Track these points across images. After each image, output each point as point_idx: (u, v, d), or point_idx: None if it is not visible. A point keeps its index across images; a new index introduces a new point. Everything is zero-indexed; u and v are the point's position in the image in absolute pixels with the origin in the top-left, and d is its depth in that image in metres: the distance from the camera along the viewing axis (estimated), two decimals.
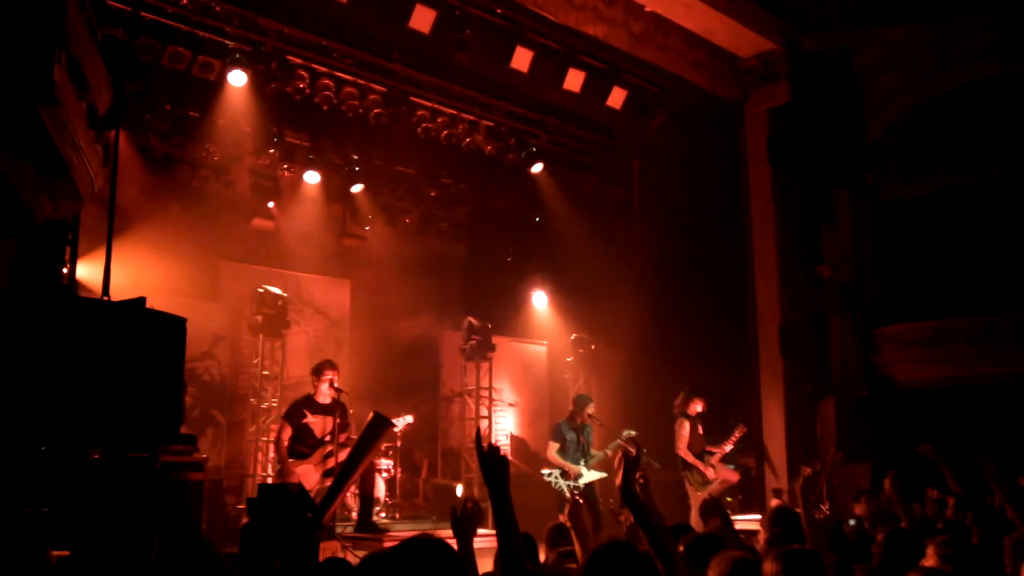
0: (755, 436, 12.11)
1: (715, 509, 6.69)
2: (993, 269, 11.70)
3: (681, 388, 10.22)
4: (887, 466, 7.14)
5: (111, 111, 7.56)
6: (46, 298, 5.85)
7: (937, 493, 6.78)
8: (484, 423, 11.47)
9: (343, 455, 7.88)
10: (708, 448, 9.91)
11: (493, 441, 11.76)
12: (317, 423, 8.25)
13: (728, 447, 9.98)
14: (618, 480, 3.26)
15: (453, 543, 3.73)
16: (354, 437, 7.93)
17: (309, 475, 8.05)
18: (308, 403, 8.32)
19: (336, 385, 8.29)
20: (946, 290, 12.00)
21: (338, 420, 8.17)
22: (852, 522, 7.52)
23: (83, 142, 6.62)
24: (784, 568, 3.62)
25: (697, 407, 9.92)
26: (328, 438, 8.18)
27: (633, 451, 3.37)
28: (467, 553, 3.48)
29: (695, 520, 9.08)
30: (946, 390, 11.47)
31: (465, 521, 3.51)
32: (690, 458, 9.64)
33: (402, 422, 9.17)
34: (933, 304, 12.00)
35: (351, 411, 8.56)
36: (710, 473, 9.67)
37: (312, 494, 7.62)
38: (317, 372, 8.40)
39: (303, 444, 8.18)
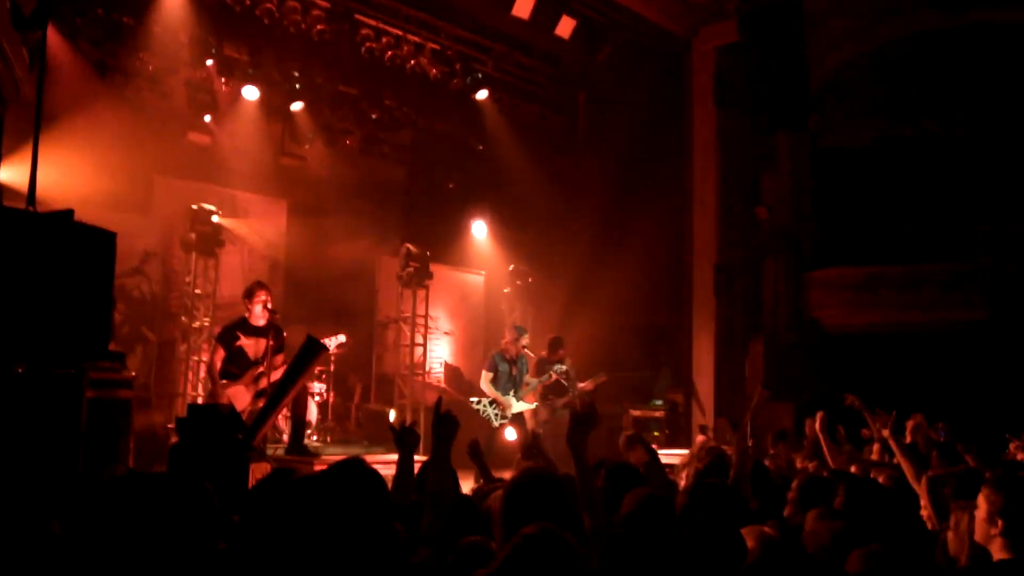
0: (684, 373, 12.35)
1: (638, 441, 6.83)
2: (926, 219, 11.94)
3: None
4: (811, 408, 7.30)
5: (37, 11, 7.22)
6: None
7: (842, 432, 6.95)
8: (419, 350, 11.46)
9: (276, 376, 7.82)
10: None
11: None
12: (250, 345, 8.14)
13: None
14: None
15: (382, 469, 3.78)
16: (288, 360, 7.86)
17: (240, 396, 7.97)
18: (242, 325, 8.20)
19: (269, 307, 8.18)
20: (880, 237, 12.23)
21: (271, 343, 8.08)
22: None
23: (5, 43, 6.31)
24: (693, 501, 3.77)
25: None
26: (265, 361, 8.09)
27: (588, 404, 3.65)
28: (408, 463, 3.82)
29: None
30: (873, 336, 11.76)
31: (408, 435, 3.84)
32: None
33: (334, 342, 9.10)
34: (866, 251, 12.23)
35: (285, 334, 8.47)
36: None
37: (244, 416, 7.56)
38: (249, 295, 8.26)
39: (235, 365, 8.09)
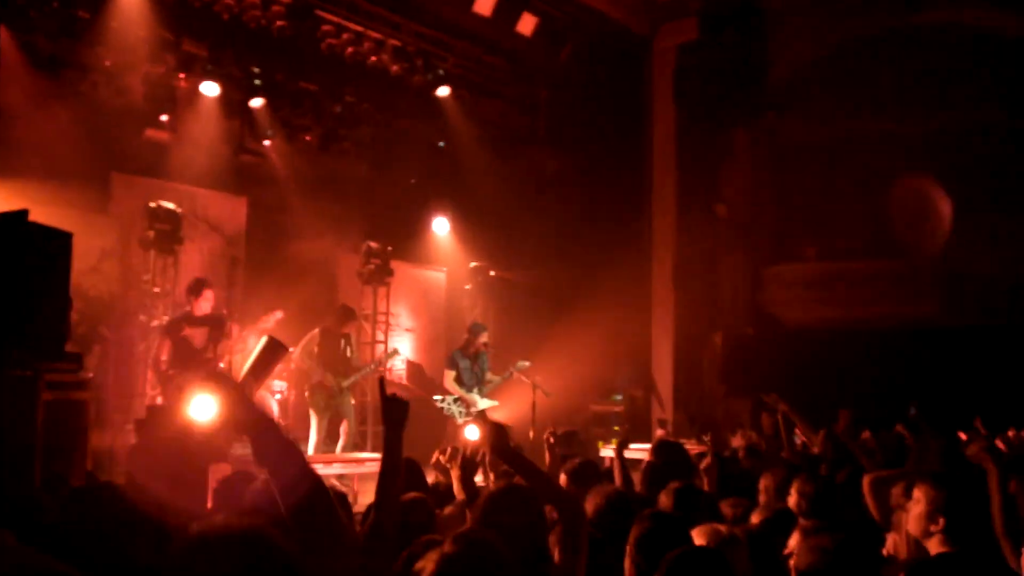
0: (644, 367, 12.47)
1: (572, 440, 6.92)
2: (882, 215, 12.12)
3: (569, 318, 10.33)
4: (770, 402, 7.39)
5: None
6: None
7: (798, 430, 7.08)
8: (380, 347, 11.46)
9: (225, 364, 7.96)
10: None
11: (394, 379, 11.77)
12: (196, 335, 8.23)
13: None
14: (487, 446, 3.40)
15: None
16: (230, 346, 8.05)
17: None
18: (186, 317, 8.29)
19: (212, 303, 8.35)
20: (836, 233, 12.42)
21: (214, 332, 8.20)
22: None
23: None
24: (675, 503, 3.84)
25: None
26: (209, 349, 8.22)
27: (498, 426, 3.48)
28: (395, 444, 3.05)
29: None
30: (830, 330, 11.94)
31: (394, 405, 3.07)
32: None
33: (272, 319, 9.16)
34: (822, 246, 12.42)
35: (237, 327, 8.54)
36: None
37: None
38: (195, 291, 8.33)
39: (183, 356, 8.14)
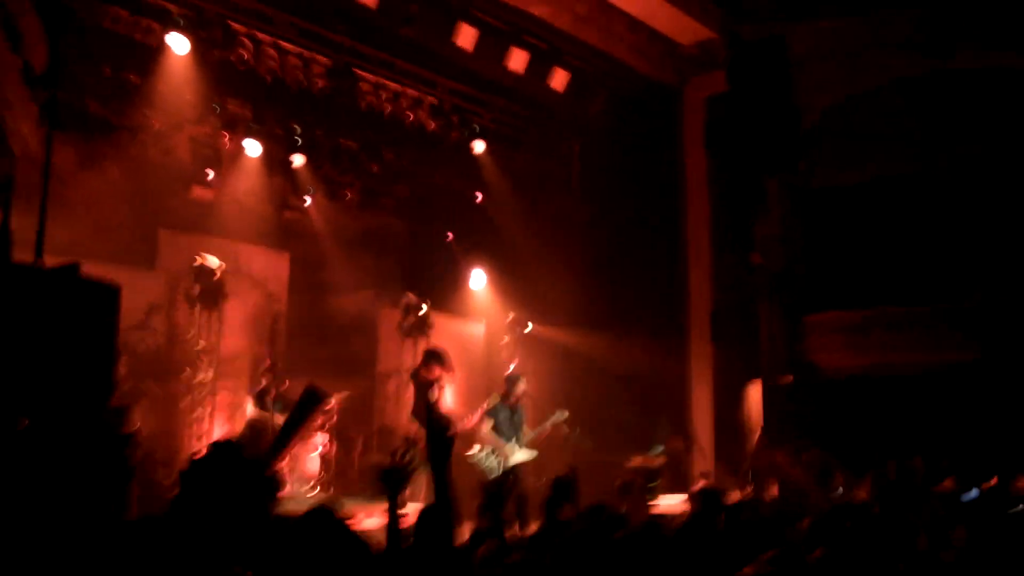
0: (684, 419, 12.38)
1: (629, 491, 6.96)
2: (918, 260, 12.02)
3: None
4: (807, 450, 7.37)
5: (48, 71, 7.42)
6: None
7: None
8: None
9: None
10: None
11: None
12: None
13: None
14: None
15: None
16: None
17: None
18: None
19: None
20: (873, 279, 12.31)
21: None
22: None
23: (15, 98, 6.51)
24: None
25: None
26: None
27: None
28: (392, 508, 3.56)
29: None
30: (868, 378, 11.79)
31: (392, 474, 3.64)
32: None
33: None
34: (860, 292, 12.30)
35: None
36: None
37: None
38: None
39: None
